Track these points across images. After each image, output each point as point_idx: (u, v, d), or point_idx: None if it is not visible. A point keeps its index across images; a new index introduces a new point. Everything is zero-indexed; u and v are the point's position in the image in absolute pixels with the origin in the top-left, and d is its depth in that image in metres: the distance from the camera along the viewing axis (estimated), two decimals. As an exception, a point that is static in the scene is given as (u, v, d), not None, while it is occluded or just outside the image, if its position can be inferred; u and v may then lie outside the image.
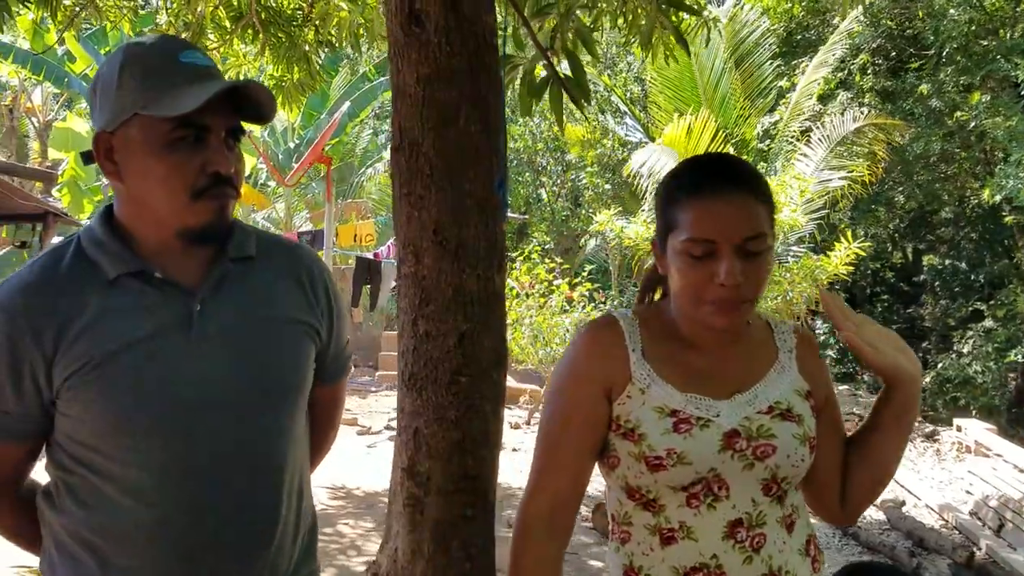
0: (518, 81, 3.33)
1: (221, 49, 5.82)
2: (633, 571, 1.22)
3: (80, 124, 12.57)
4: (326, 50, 6.27)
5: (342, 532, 4.94)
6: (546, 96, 3.28)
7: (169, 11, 5.80)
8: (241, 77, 8.39)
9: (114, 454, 1.10)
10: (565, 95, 3.18)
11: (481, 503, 2.48)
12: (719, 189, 1.17)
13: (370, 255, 11.08)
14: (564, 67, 3.26)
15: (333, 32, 5.63)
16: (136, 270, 1.12)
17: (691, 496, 1.18)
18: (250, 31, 5.56)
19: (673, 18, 3.94)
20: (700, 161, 1.27)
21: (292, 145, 14.15)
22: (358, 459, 6.76)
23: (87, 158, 1.18)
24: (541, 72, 3.30)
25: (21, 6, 4.84)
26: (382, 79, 13.13)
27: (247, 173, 14.62)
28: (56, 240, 12.35)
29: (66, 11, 5.37)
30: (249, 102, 1.13)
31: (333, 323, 1.29)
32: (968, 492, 6.76)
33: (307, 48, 5.75)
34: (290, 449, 1.20)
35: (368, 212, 12.79)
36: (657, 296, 1.39)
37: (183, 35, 5.47)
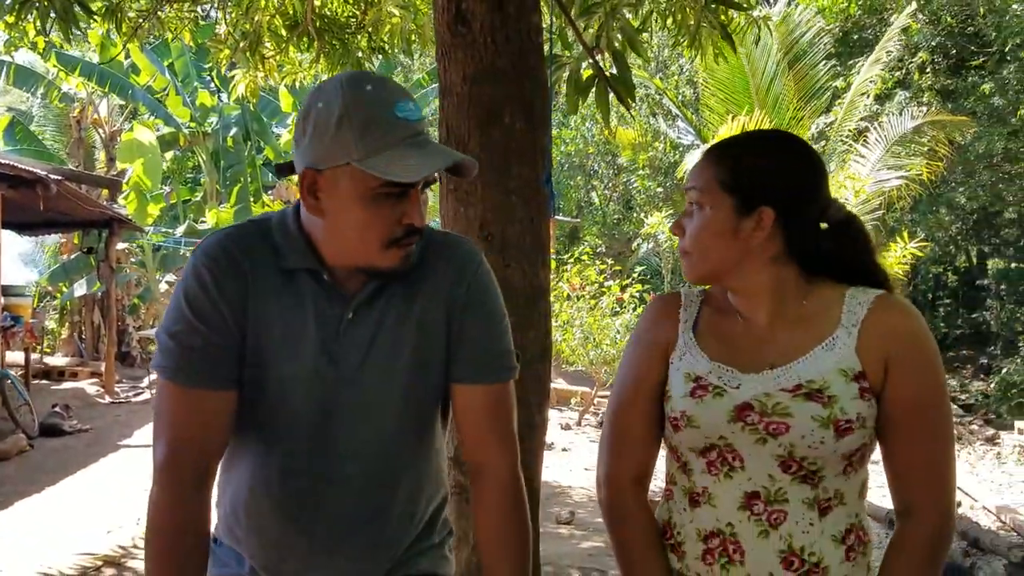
0: (564, 81, 3.37)
1: (277, 57, 5.96)
2: (669, 527, 1.29)
3: (144, 134, 12.99)
4: (379, 57, 6.38)
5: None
6: (592, 96, 3.32)
7: (228, 21, 5.97)
8: (298, 84, 8.56)
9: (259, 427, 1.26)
10: (612, 94, 3.21)
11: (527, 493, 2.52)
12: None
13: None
14: (609, 67, 3.28)
15: (386, 38, 5.72)
16: (311, 268, 1.22)
17: (710, 463, 1.23)
18: (305, 39, 5.68)
19: (723, 17, 3.94)
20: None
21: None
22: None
23: (280, 172, 1.28)
24: (588, 72, 3.34)
25: (90, 20, 5.04)
26: (434, 85, 13.30)
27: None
28: (123, 246, 12.78)
29: (130, 23, 5.57)
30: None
31: (473, 321, 1.28)
32: (1030, 495, 6.57)
33: (360, 55, 5.85)
34: (406, 449, 1.30)
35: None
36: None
37: (240, 44, 5.64)
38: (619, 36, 3.25)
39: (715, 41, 4.18)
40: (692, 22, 3.98)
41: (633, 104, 3.23)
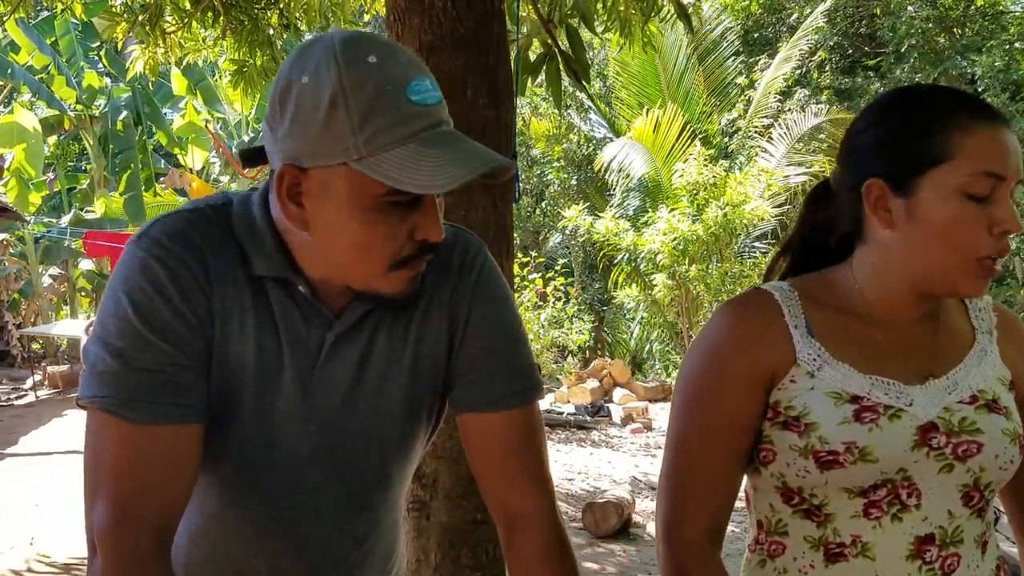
0: (513, 59, 3.17)
1: (179, 33, 5.54)
2: None
3: (27, 117, 12.03)
4: (287, 35, 6.02)
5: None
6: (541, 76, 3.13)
7: (126, -8, 5.51)
8: (202, 63, 8.07)
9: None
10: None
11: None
12: (997, 117, 0.94)
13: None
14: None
15: (300, 15, 5.39)
16: (283, 277, 0.93)
17: (870, 504, 0.95)
18: (210, 14, 5.29)
19: (656, 2, 3.83)
20: (953, 89, 1.01)
21: (247, 139, 13.78)
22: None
23: (246, 162, 0.95)
24: (538, 50, 3.14)
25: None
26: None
27: (200, 167, 14.26)
28: (1, 236, 11.82)
29: (13, -6, 5.06)
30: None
31: (482, 335, 1.00)
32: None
33: (271, 32, 5.51)
34: (385, 493, 1.05)
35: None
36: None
37: (139, 18, 5.20)
38: (572, 11, 3.08)
39: (644, 30, 4.09)
40: (623, 7, 3.86)
41: (588, 84, 3.05)
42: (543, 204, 14.26)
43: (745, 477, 1.05)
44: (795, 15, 12.66)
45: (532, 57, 3.17)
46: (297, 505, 0.98)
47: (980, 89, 10.58)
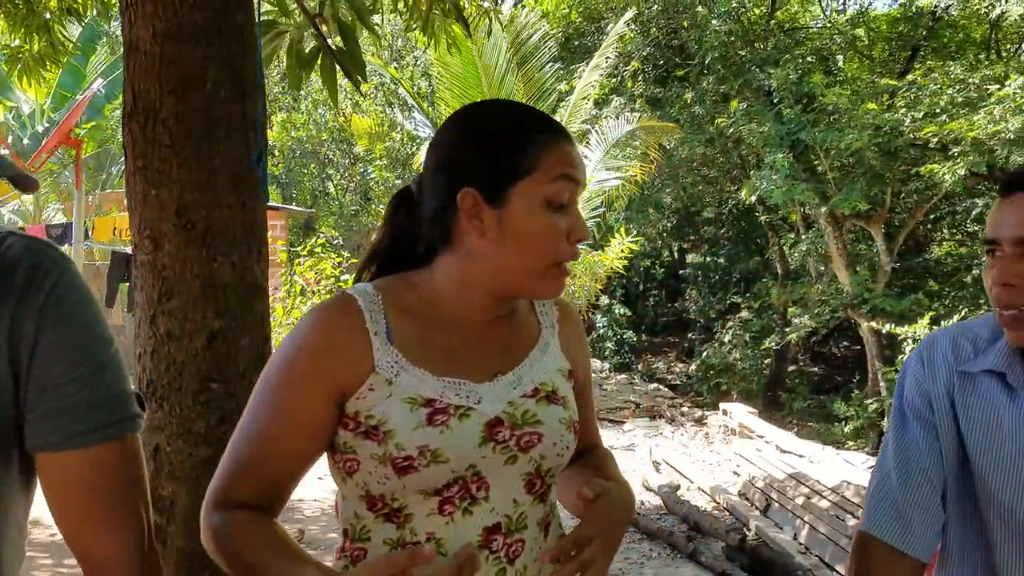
0: (284, 52, 3.03)
1: (-56, 15, 4.95)
2: None
3: None
4: (72, 20, 5.56)
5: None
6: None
7: None
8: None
9: None
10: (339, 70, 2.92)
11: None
12: (565, 133, 1.07)
13: (128, 250, 10.08)
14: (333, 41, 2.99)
15: (79, -2, 4.96)
16: None
17: (444, 501, 1.00)
18: (-21, -7, 4.77)
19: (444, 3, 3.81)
20: (526, 106, 1.11)
21: (40, 129, 12.61)
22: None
23: None
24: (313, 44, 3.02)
25: None
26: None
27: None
28: None
29: None
30: None
31: (52, 361, 0.86)
32: (736, 473, 7.19)
33: (48, 16, 5.04)
34: None
35: (130, 205, 11.69)
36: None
37: None
38: (346, 6, 2.97)
39: (448, 30, 4.06)
40: (424, 7, 3.81)
41: (364, 83, 2.96)
42: (369, 203, 14.02)
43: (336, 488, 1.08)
44: (611, 24, 13.13)
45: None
46: None
47: (775, 100, 11.36)
